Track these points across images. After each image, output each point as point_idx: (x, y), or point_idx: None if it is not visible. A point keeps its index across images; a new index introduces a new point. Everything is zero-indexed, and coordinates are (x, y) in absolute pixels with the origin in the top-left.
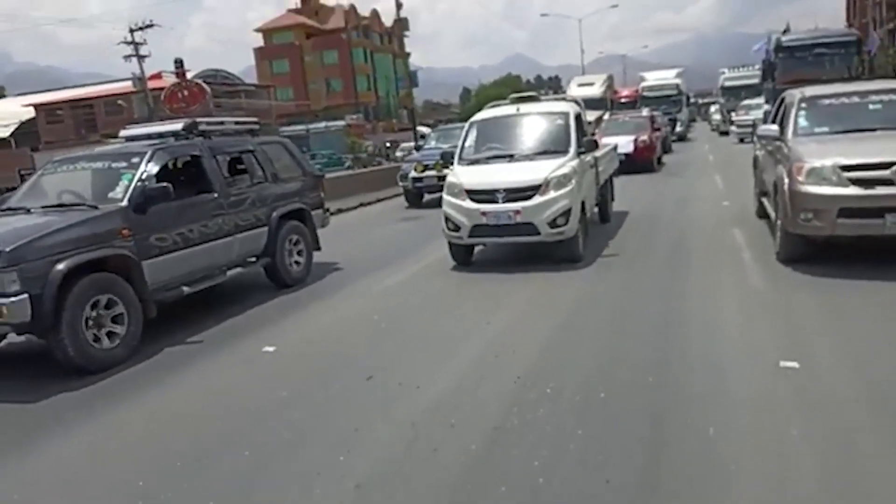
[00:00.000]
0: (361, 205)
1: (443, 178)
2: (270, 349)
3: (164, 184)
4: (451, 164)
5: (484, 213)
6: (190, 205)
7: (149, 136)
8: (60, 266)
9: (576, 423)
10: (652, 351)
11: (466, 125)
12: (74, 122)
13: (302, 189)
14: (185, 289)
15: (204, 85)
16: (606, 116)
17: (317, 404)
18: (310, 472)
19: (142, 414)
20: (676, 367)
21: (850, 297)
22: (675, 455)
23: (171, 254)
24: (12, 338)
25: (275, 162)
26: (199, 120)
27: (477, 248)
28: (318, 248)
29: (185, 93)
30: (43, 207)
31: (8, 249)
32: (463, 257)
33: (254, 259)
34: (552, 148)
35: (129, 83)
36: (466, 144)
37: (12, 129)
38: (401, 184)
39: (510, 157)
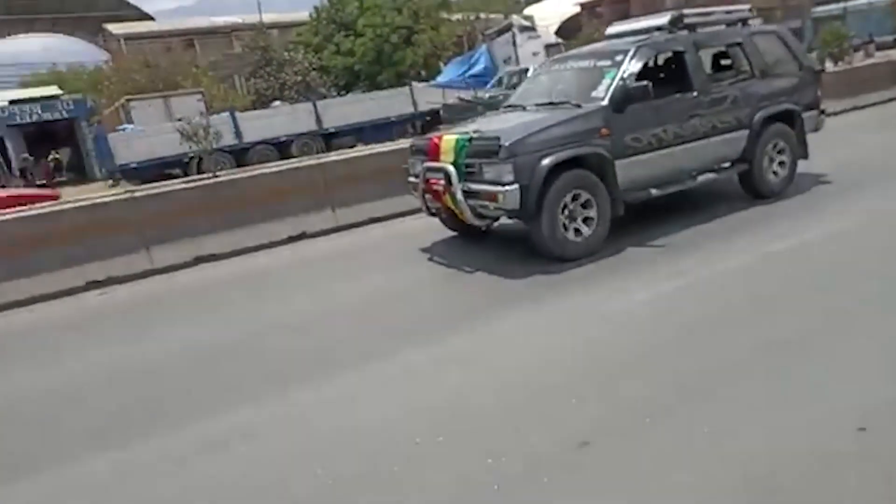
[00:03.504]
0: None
1: None
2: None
3: (644, 82)
4: None
5: None
6: (667, 104)
7: (633, 33)
8: (546, 161)
9: None
10: None
11: None
12: (611, 17)
13: (795, 87)
14: (654, 191)
15: None
16: None
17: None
18: None
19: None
20: None
21: None
22: None
23: (643, 154)
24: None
25: (766, 55)
26: (686, 12)
27: None
28: (805, 156)
29: None
30: (536, 105)
31: (507, 144)
32: None
33: (728, 164)
34: None
35: None
36: None
37: (556, 26)
38: None
39: None
